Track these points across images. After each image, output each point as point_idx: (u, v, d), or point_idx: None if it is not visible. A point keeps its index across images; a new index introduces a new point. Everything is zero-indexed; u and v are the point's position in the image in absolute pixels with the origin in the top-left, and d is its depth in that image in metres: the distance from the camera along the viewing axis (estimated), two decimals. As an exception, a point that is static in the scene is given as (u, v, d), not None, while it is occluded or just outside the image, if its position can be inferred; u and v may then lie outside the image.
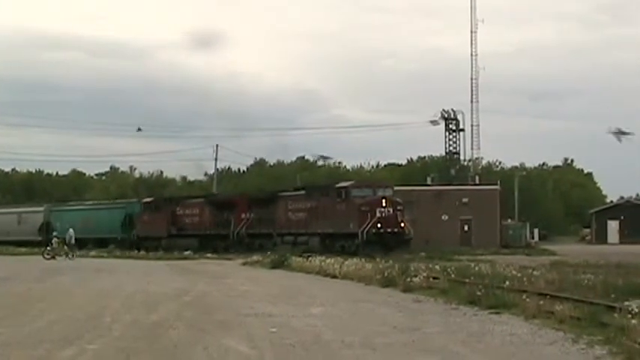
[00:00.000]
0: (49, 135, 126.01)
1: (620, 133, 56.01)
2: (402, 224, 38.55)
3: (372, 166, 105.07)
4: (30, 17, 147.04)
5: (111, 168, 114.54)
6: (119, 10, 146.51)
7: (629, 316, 10.85)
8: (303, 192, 44.22)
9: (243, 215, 45.93)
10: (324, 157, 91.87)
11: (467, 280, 19.32)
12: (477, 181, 61.03)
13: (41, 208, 64.71)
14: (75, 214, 59.86)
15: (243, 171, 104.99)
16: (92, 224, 56.67)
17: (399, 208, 38.83)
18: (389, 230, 37.59)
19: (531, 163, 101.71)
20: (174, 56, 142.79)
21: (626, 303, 12.27)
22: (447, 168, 65.17)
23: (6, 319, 14.04)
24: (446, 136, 64.08)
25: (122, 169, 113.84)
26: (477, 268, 23.47)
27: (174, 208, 51.87)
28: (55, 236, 44.43)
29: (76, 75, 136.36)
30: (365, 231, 37.20)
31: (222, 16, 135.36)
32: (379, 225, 37.40)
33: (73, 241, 44.53)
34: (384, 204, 38.20)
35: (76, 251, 43.56)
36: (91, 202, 69.40)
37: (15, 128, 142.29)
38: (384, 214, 37.78)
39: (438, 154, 76.64)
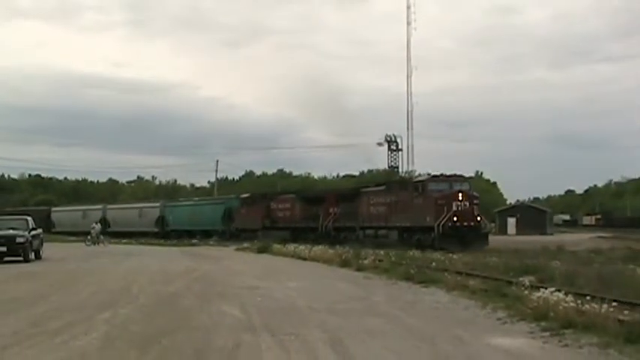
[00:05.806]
0: (91, 152, 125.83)
1: None
2: (479, 218, 30.29)
3: (334, 176, 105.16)
4: (75, 63, 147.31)
5: (138, 177, 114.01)
6: (141, 59, 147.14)
7: (523, 288, 10.98)
8: (383, 187, 35.58)
9: (330, 210, 38.79)
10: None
11: (404, 262, 19.40)
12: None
13: (157, 204, 59.21)
14: (184, 209, 55.47)
15: (237, 180, 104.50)
16: (197, 218, 51.44)
17: (475, 202, 30.54)
18: (465, 224, 29.49)
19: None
20: (183, 92, 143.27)
21: (521, 279, 12.40)
22: (390, 178, 65.35)
23: (60, 289, 13.95)
24: (388, 154, 64.25)
25: (146, 178, 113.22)
26: (411, 253, 23.53)
27: (268, 203, 44.55)
28: (93, 228, 43.93)
29: (110, 107, 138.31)
30: (441, 224, 29.26)
31: (219, 63, 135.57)
32: (455, 219, 29.44)
33: (100, 233, 43.54)
34: (460, 198, 30.01)
35: (104, 241, 42.93)
36: (197, 199, 62.57)
37: (65, 147, 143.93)
38: (460, 208, 29.72)
39: (382, 168, 76.89)
